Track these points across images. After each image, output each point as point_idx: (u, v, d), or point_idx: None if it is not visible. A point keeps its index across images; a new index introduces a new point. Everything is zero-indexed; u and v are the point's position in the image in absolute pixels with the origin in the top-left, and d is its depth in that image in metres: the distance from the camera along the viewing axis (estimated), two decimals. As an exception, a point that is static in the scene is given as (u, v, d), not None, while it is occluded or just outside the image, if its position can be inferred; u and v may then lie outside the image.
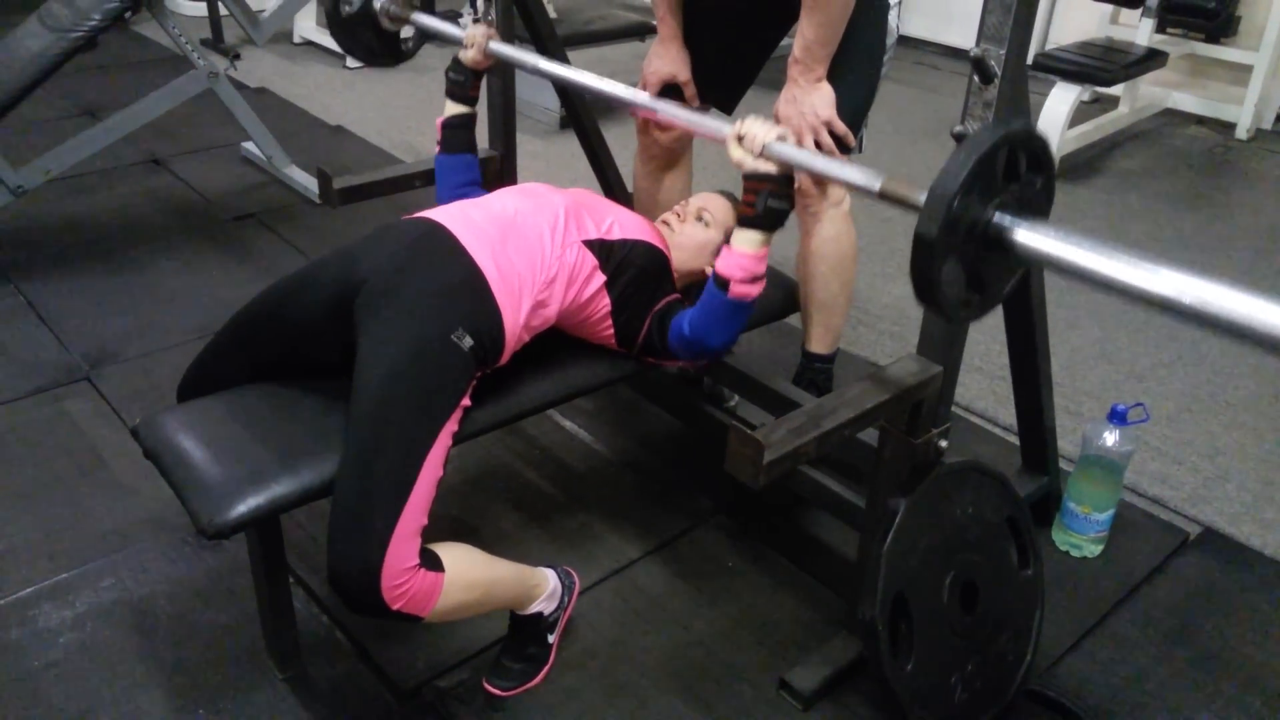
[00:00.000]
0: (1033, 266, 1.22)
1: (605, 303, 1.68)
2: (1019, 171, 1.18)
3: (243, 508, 1.40)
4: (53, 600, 1.81)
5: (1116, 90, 4.26)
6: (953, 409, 1.66)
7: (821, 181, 1.93)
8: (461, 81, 1.98)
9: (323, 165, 2.23)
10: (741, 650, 1.77)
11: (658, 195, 2.24)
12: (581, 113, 2.47)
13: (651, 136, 2.19)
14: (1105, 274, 1.09)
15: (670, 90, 2.10)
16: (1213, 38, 4.43)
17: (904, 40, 5.20)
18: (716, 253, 1.80)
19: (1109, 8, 4.55)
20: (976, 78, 1.36)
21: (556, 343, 1.73)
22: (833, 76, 1.85)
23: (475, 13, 5.34)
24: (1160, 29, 4.33)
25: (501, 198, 1.73)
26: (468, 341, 1.48)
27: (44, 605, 1.80)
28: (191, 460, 1.47)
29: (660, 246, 1.76)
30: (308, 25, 5.11)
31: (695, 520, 2.06)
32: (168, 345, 2.57)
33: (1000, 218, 1.16)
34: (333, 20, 2.14)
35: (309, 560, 1.89)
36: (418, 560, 1.38)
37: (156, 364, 2.49)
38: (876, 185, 1.32)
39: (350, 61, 4.74)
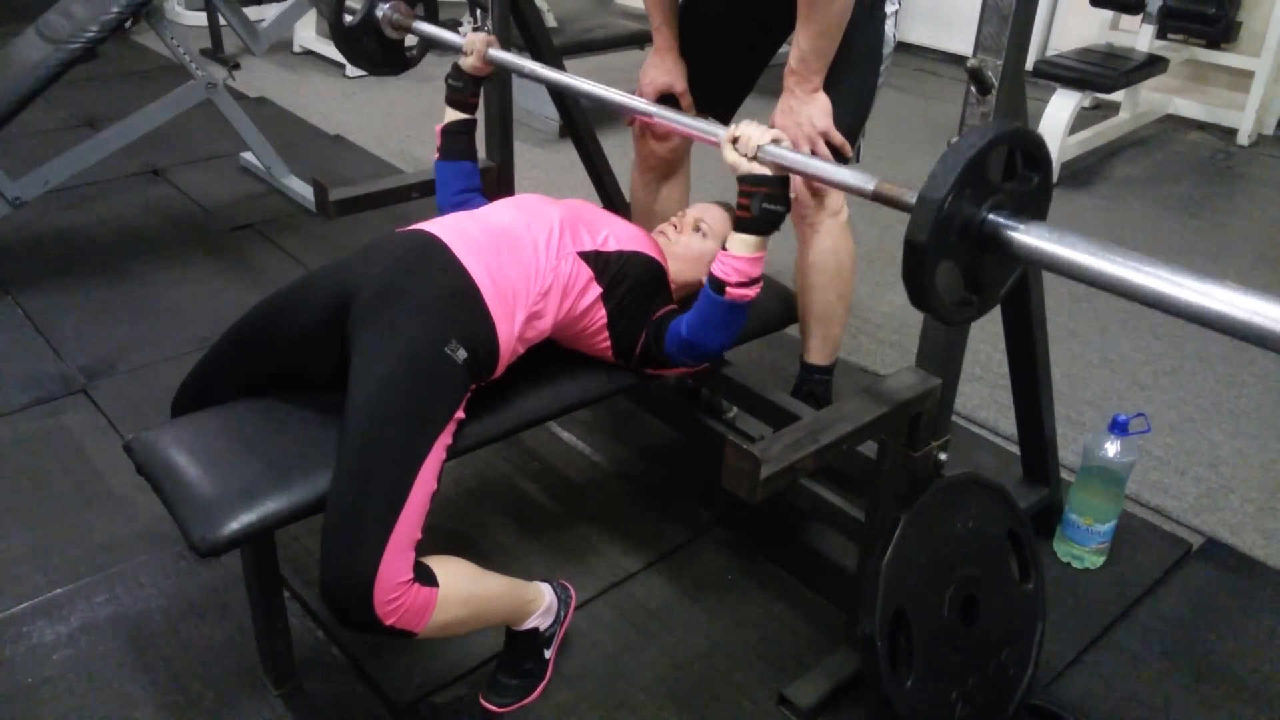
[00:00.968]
0: (1030, 266, 1.21)
1: (601, 315, 1.67)
2: (1014, 170, 1.17)
3: (236, 525, 1.39)
4: (46, 616, 1.80)
5: (1117, 96, 4.25)
6: (953, 418, 1.64)
7: (819, 193, 1.92)
8: (461, 88, 1.98)
9: (321, 175, 2.22)
10: (740, 664, 1.75)
11: (655, 205, 2.23)
12: (579, 122, 2.47)
13: (649, 147, 2.18)
14: (1101, 271, 1.09)
15: (667, 100, 2.09)
16: (1214, 43, 4.43)
17: (903, 46, 5.20)
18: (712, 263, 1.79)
19: (1110, 14, 4.56)
20: (974, 88, 1.35)
21: (553, 355, 1.72)
22: (830, 86, 1.84)
23: (475, 21, 5.37)
24: (1161, 35, 4.33)
25: (496, 209, 1.73)
26: (462, 354, 1.47)
27: (37, 621, 1.79)
28: (184, 477, 1.46)
29: (657, 258, 1.76)
30: (307, 35, 5.12)
31: (694, 533, 2.05)
32: (165, 357, 2.56)
33: (995, 217, 1.15)
34: (336, 30, 2.14)
35: (304, 575, 1.88)
36: (411, 575, 1.37)
37: (154, 376, 2.49)
38: (870, 187, 1.32)
39: (350, 71, 4.74)
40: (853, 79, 1.87)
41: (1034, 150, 1.19)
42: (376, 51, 2.20)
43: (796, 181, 1.89)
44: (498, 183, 2.29)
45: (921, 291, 1.15)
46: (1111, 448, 1.92)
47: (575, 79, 1.85)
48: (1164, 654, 1.80)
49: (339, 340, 1.50)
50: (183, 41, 3.22)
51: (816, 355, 2.11)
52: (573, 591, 1.76)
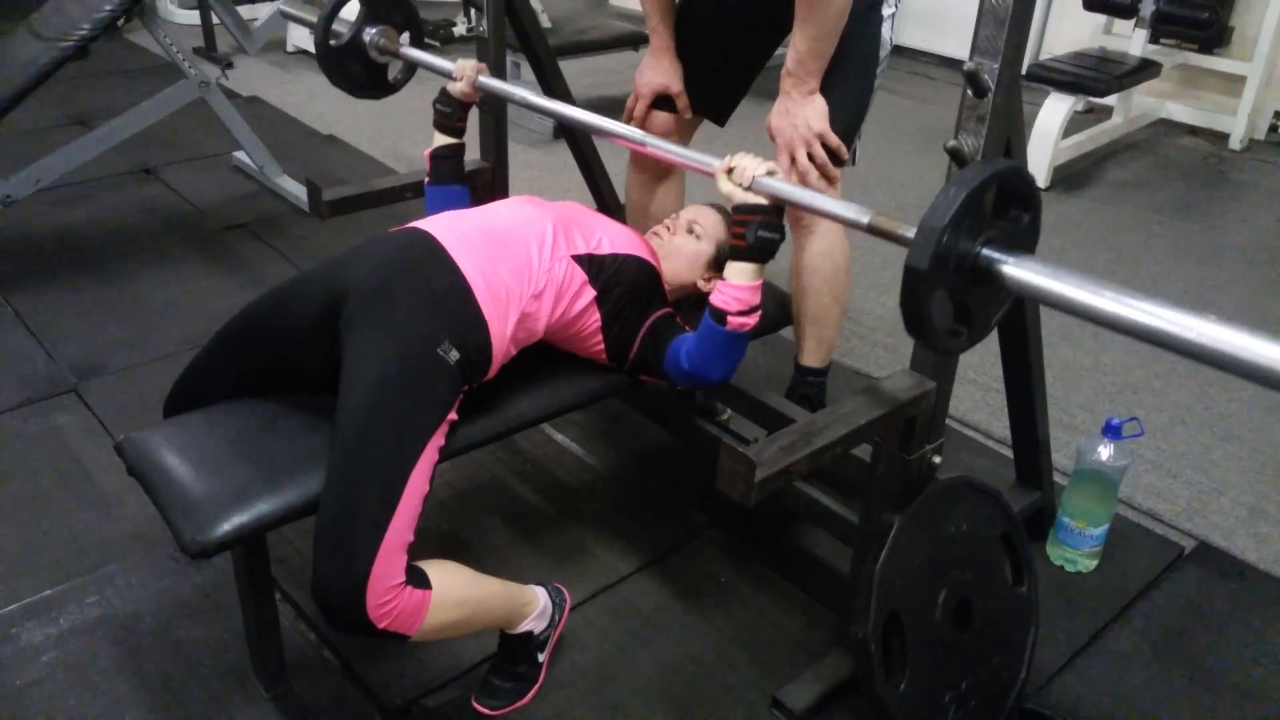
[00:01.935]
0: (1021, 298, 1.25)
1: (595, 317, 1.67)
2: (1007, 208, 1.21)
3: (227, 526, 1.38)
4: (35, 617, 1.79)
5: (1110, 100, 4.27)
6: (946, 422, 1.65)
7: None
8: (450, 113, 1.98)
9: (314, 175, 2.22)
10: (734, 667, 1.75)
11: (650, 207, 2.23)
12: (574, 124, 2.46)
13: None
14: (1090, 305, 1.13)
15: (663, 101, 2.09)
16: (1206, 48, 4.44)
17: (898, 50, 5.20)
18: (708, 265, 1.79)
19: (1103, 18, 4.57)
20: (970, 91, 1.35)
21: (546, 357, 1.72)
22: (826, 88, 1.84)
23: (469, 21, 5.35)
24: (1154, 39, 4.34)
25: (491, 210, 1.73)
26: (454, 355, 1.46)
27: (26, 623, 1.77)
28: (175, 478, 1.45)
29: (651, 260, 1.75)
30: (300, 34, 5.10)
31: (688, 535, 2.05)
32: (157, 357, 2.55)
33: (989, 251, 1.19)
34: (321, 51, 2.12)
35: (296, 577, 1.87)
36: (404, 577, 1.37)
37: (145, 376, 2.48)
38: (865, 220, 1.35)
39: (343, 70, 4.73)
40: (849, 81, 1.87)
41: (1026, 190, 1.23)
42: (360, 74, 2.20)
43: (807, 158, 1.89)
44: (492, 183, 2.29)
45: (918, 318, 1.18)
46: (1104, 451, 1.93)
47: (568, 108, 1.84)
48: (1156, 657, 1.80)
49: (331, 340, 1.49)
50: (175, 40, 3.22)
51: (811, 358, 2.11)
52: (567, 595, 1.75)
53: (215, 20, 4.56)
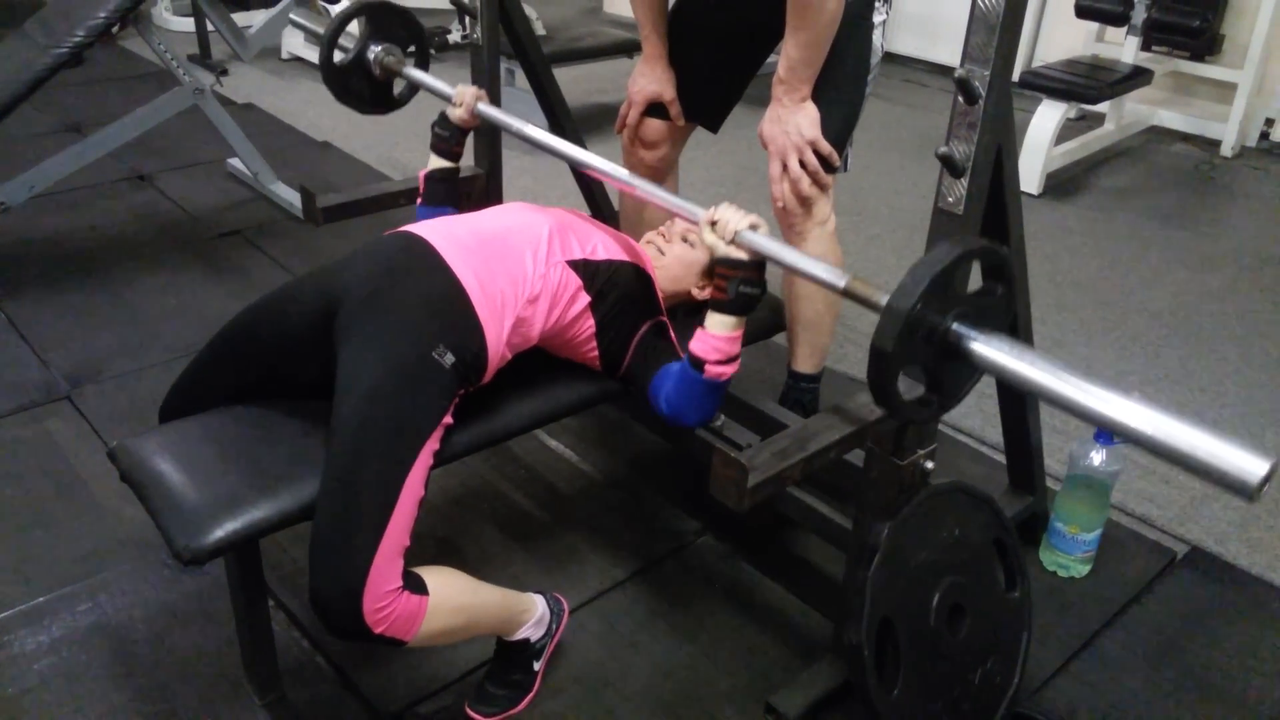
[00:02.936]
0: (989, 374, 1.28)
1: (590, 324, 1.67)
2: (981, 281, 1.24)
3: (220, 533, 1.38)
4: (27, 625, 1.78)
5: (1102, 108, 4.29)
6: (939, 427, 1.65)
7: (807, 201, 1.93)
8: (447, 138, 1.98)
9: (309, 182, 2.22)
10: (727, 674, 1.75)
11: (644, 214, 2.24)
12: (568, 129, 2.47)
13: (638, 155, 2.18)
14: (1054, 391, 1.14)
15: (656, 108, 2.10)
16: (1197, 55, 4.47)
17: (890, 57, 5.23)
18: (702, 273, 1.79)
19: (1095, 25, 4.59)
20: (961, 98, 1.36)
21: (541, 362, 1.72)
22: (817, 95, 1.85)
23: (464, 29, 5.36)
24: (1146, 47, 4.36)
25: (485, 215, 1.73)
26: (449, 359, 1.46)
27: (18, 630, 1.77)
28: (169, 484, 1.45)
29: (644, 267, 1.76)
30: (295, 41, 5.11)
31: (681, 542, 2.05)
32: (151, 364, 2.55)
33: (959, 327, 1.20)
34: (325, 68, 2.12)
35: (289, 583, 1.87)
36: (400, 583, 1.36)
37: (139, 383, 2.47)
38: (841, 284, 1.36)
39: (338, 77, 4.73)
40: (841, 88, 1.88)
41: (999, 265, 1.25)
42: (364, 91, 2.20)
43: (784, 189, 1.90)
44: (486, 189, 2.29)
45: (884, 394, 1.21)
46: (1097, 456, 1.93)
47: (563, 143, 1.84)
48: (1149, 662, 1.80)
49: (326, 346, 1.49)
50: (170, 47, 3.22)
51: (804, 363, 2.11)
52: (565, 604, 1.75)
53: (210, 27, 4.56)
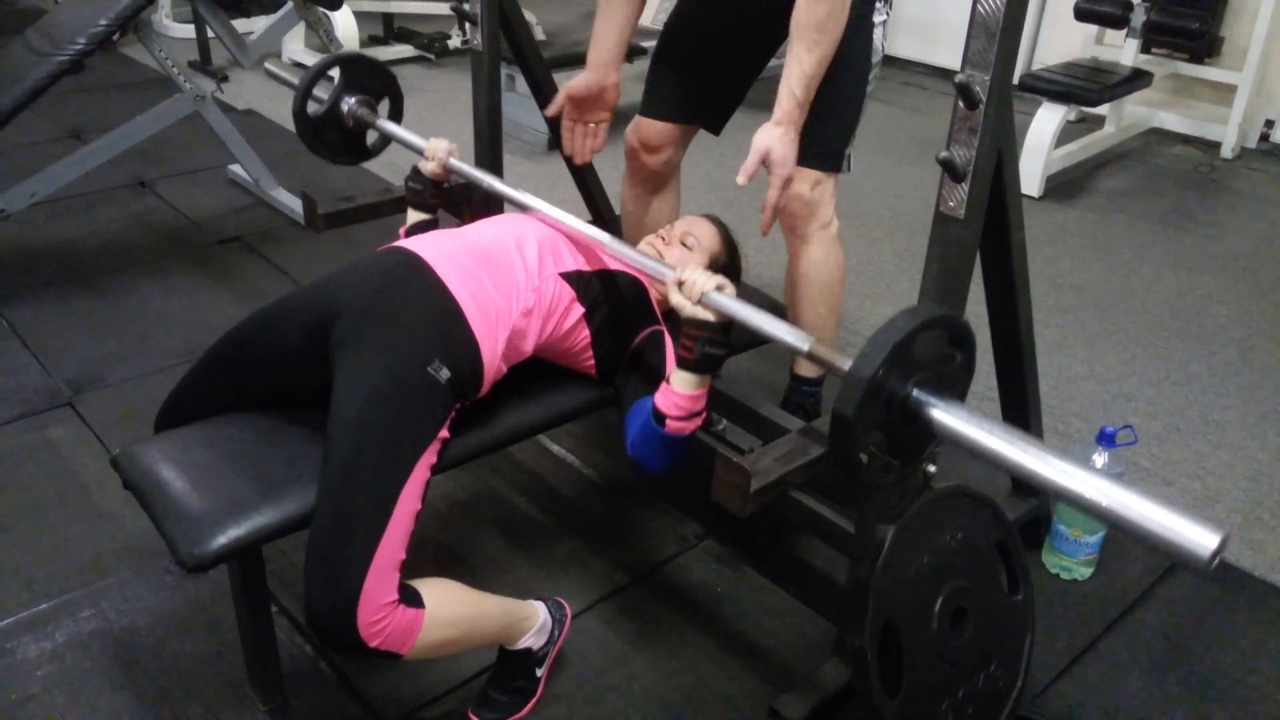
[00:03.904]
0: (947, 442, 1.31)
1: (585, 335, 1.67)
2: (941, 349, 1.28)
3: (223, 539, 1.38)
4: (31, 632, 1.78)
5: (1102, 110, 4.29)
6: (941, 432, 1.65)
7: (809, 203, 1.93)
8: (420, 190, 1.97)
9: (309, 188, 2.23)
10: (730, 678, 1.75)
11: (645, 218, 2.24)
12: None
13: (640, 160, 2.19)
14: (1010, 460, 1.18)
15: (656, 111, 2.10)
16: (1197, 58, 4.47)
17: (890, 60, 5.24)
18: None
19: (1095, 28, 4.60)
20: (962, 103, 1.36)
21: (540, 369, 1.72)
22: (820, 96, 1.84)
23: (463, 34, 5.36)
24: (1145, 49, 4.37)
25: (478, 228, 1.73)
26: (445, 373, 1.46)
27: (22, 637, 1.77)
28: (171, 491, 1.45)
29: (638, 276, 1.75)
30: (295, 48, 5.12)
31: (684, 545, 2.05)
32: (152, 370, 2.55)
33: (919, 394, 1.23)
34: (299, 118, 2.13)
35: (292, 589, 1.87)
36: (396, 596, 1.36)
37: (140, 390, 2.47)
38: (805, 347, 1.37)
39: (338, 83, 4.73)
40: (843, 89, 1.87)
41: (959, 333, 1.29)
42: (337, 141, 2.21)
43: (788, 192, 1.89)
44: (486, 196, 2.29)
45: (846, 459, 1.23)
46: (1099, 459, 1.93)
47: (533, 199, 1.80)
48: (1152, 665, 1.80)
49: (321, 361, 1.49)
50: (170, 54, 3.22)
51: (806, 367, 2.12)
52: (568, 610, 1.75)
53: (210, 34, 4.56)
